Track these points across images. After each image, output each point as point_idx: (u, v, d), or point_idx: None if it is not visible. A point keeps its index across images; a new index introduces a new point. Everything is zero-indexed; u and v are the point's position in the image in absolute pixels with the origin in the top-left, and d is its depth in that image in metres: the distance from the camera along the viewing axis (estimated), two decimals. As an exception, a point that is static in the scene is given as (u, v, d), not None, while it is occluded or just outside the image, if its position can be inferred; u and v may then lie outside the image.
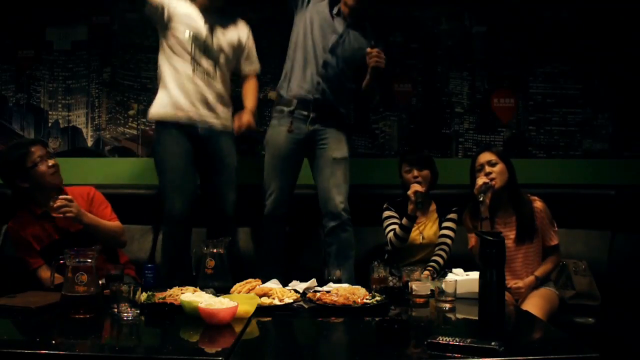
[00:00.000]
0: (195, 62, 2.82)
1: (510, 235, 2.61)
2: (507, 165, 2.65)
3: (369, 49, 2.81)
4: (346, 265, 2.76)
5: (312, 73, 2.86)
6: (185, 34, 2.82)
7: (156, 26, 2.90)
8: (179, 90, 2.81)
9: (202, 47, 2.84)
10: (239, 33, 2.99)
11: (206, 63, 2.85)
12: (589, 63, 3.46)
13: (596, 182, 3.34)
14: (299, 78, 2.88)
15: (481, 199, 2.54)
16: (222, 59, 2.91)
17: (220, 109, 2.90)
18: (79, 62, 3.54)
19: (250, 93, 3.05)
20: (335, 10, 2.91)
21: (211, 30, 2.87)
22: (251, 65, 3.08)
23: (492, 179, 2.58)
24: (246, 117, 2.92)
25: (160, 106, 2.84)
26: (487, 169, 2.62)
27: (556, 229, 2.68)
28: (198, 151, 2.86)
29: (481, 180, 2.57)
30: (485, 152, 2.71)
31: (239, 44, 2.99)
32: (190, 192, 2.83)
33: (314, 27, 2.88)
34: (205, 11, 2.88)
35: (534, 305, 2.43)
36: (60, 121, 3.54)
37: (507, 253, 2.45)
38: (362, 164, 3.33)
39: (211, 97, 2.86)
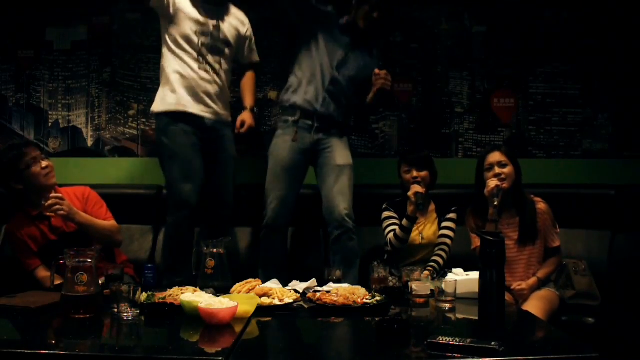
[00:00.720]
0: (201, 56, 2.81)
1: (513, 236, 2.60)
2: (515, 167, 2.64)
3: (376, 70, 2.81)
4: (350, 273, 2.74)
5: (318, 88, 2.84)
6: (191, 29, 2.80)
7: (160, 19, 2.87)
8: (184, 86, 2.79)
9: (209, 42, 2.83)
10: (240, 23, 2.99)
11: (212, 57, 2.84)
12: (589, 63, 3.46)
13: (596, 182, 3.33)
14: (305, 92, 2.86)
15: (495, 203, 2.50)
16: (227, 52, 2.90)
17: (222, 103, 2.90)
18: (79, 62, 3.54)
19: (249, 89, 3.06)
20: (342, 21, 2.90)
21: (217, 23, 2.86)
22: (252, 55, 3.08)
23: (502, 180, 2.57)
24: (248, 118, 2.94)
25: (165, 102, 2.81)
26: (497, 170, 2.60)
27: (558, 230, 2.68)
28: (202, 142, 2.84)
29: (493, 183, 2.54)
30: (495, 152, 2.68)
31: (241, 34, 2.98)
32: (199, 180, 2.79)
33: (320, 42, 2.86)
34: (206, 4, 2.86)
35: (534, 306, 2.42)
36: (60, 121, 3.54)
37: (510, 254, 2.46)
38: (362, 164, 3.33)
39: (215, 92, 2.85)
